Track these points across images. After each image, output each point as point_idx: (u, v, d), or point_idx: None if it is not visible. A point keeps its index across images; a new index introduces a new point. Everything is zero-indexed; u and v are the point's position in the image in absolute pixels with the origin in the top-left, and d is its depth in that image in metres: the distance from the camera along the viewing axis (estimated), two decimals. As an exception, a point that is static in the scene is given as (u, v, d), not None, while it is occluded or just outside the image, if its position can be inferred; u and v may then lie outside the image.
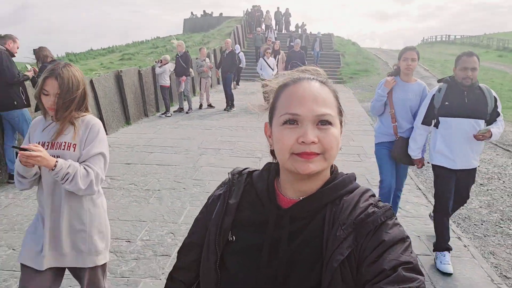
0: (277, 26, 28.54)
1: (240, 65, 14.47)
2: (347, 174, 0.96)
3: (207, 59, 11.32)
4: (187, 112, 10.68)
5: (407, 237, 0.85)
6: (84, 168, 1.91)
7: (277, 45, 12.51)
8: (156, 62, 10.61)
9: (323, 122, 0.85)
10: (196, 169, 5.83)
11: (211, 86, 12.04)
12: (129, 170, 5.74)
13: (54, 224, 1.97)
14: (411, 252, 0.82)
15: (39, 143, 1.93)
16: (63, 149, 1.95)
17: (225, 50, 11.25)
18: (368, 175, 5.64)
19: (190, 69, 10.52)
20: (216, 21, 33.01)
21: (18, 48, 5.14)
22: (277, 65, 11.51)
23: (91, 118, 2.05)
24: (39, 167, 1.95)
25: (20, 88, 4.99)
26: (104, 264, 2.10)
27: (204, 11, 35.54)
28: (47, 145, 1.96)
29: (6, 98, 4.84)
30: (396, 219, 0.88)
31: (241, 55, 15.29)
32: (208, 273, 0.95)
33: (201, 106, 11.36)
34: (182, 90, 10.55)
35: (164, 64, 10.12)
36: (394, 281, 0.76)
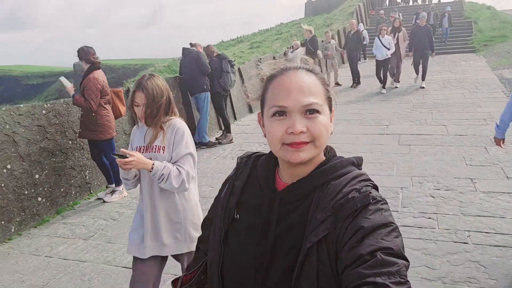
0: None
1: (364, 42, 15.15)
2: (343, 158, 0.98)
3: (332, 41, 12.24)
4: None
5: (391, 222, 0.83)
6: (177, 168, 2.13)
7: (397, 22, 10.91)
8: (288, 48, 11.96)
9: (310, 111, 0.88)
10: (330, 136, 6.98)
11: (338, 66, 12.83)
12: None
13: (153, 218, 2.21)
14: (395, 237, 0.81)
15: (137, 148, 2.24)
16: (155, 152, 2.19)
17: (350, 31, 12.04)
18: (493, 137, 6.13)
19: (318, 51, 11.62)
20: (337, 1, 33.21)
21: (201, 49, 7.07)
22: (397, 43, 10.60)
23: (176, 121, 2.24)
24: (138, 170, 2.22)
25: (207, 77, 6.85)
26: None
27: (325, -8, 35.84)
28: (143, 149, 2.22)
29: (199, 85, 6.74)
30: (381, 204, 0.86)
31: (365, 32, 16.13)
32: (214, 247, 1.03)
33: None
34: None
35: (296, 49, 11.39)
36: (372, 265, 0.76)
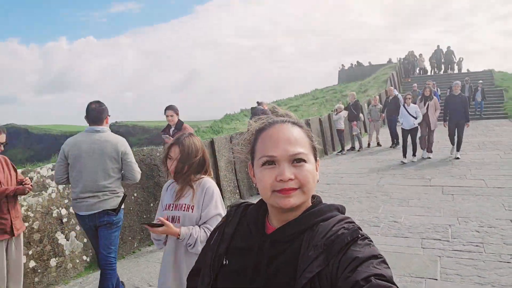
0: (435, 67, 28.67)
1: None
2: (329, 204, 1.05)
3: (379, 105, 13.45)
4: (358, 150, 12.87)
5: (380, 254, 0.89)
6: (204, 231, 2.15)
7: (427, 91, 10.46)
8: (332, 111, 13.24)
9: (297, 160, 0.96)
10: (379, 186, 7.89)
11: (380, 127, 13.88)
12: (329, 188, 8.13)
13: (175, 277, 2.19)
14: (386, 268, 0.86)
15: (166, 206, 2.27)
16: (184, 210, 2.19)
17: (389, 96, 13.27)
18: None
19: (360, 114, 12.81)
20: (369, 70, 35.06)
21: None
22: (427, 113, 10.16)
23: (206, 180, 2.26)
24: None
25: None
26: None
27: (357, 61, 37.99)
28: (172, 207, 2.24)
29: None
30: (368, 240, 0.93)
31: (400, 96, 17.33)
32: None
33: (369, 145, 13.42)
34: (355, 134, 12.83)
35: (339, 112, 12.65)
36: None
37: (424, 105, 10.29)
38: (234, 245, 1.05)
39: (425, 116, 10.18)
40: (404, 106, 10.29)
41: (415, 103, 10.54)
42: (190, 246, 2.13)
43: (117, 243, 3.50)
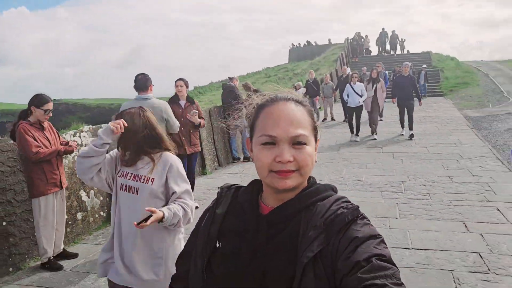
0: (380, 49, 30.48)
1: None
2: (324, 183, 1.03)
3: (331, 82, 14.60)
4: (315, 124, 14.05)
5: (379, 234, 0.90)
6: (182, 207, 2.12)
7: (374, 73, 10.66)
8: (291, 87, 14.24)
9: (298, 143, 0.93)
10: (340, 153, 9.00)
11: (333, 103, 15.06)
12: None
13: (130, 246, 2.20)
14: (385, 247, 0.87)
15: (125, 173, 2.21)
16: (143, 182, 2.15)
17: (342, 75, 14.44)
18: (462, 153, 8.29)
19: (320, 91, 13.93)
20: (318, 49, 36.48)
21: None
22: (375, 95, 10.36)
23: (169, 155, 2.25)
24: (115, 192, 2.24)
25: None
26: None
27: (307, 41, 39.26)
28: (130, 176, 2.19)
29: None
30: (367, 220, 0.93)
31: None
32: (195, 277, 1.02)
33: (324, 119, 14.61)
34: (319, 107, 13.94)
35: (298, 89, 13.64)
36: (369, 270, 0.80)
37: (372, 87, 10.41)
38: (227, 227, 1.03)
39: (374, 98, 10.38)
40: (350, 84, 10.33)
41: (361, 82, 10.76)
42: (173, 225, 2.09)
43: None
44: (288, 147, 0.92)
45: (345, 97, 10.57)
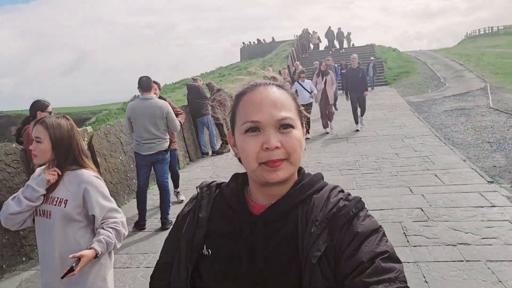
0: (328, 45, 31.76)
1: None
2: (313, 174, 0.98)
3: (288, 77, 15.46)
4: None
5: (380, 226, 0.87)
6: (112, 228, 1.98)
7: (323, 66, 10.70)
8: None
9: (284, 126, 0.87)
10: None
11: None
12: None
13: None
14: (386, 241, 0.85)
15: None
16: (56, 205, 1.96)
17: (295, 70, 15.37)
18: (406, 134, 9.39)
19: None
20: (269, 46, 37.51)
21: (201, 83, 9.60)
22: (325, 87, 10.43)
23: (84, 172, 2.03)
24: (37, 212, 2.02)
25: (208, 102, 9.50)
26: None
27: (257, 39, 40.19)
28: (45, 199, 1.98)
29: (202, 110, 9.24)
30: (367, 210, 0.91)
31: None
32: None
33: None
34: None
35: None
36: (373, 273, 0.78)
37: (322, 79, 10.50)
38: (214, 231, 0.95)
39: (323, 91, 10.40)
40: (299, 82, 10.17)
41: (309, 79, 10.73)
42: (109, 252, 2.01)
43: (167, 172, 5.16)
44: (274, 132, 0.86)
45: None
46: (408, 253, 3.69)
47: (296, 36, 32.28)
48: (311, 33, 32.77)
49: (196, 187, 1.05)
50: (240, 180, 1.01)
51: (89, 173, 2.03)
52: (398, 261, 0.82)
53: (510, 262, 3.36)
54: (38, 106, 4.23)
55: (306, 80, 10.26)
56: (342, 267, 0.82)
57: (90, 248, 1.88)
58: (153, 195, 6.22)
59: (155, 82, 6.21)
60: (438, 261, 3.48)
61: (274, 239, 0.89)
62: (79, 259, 1.81)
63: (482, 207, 4.61)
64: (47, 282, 2.03)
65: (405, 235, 4.08)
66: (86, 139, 5.69)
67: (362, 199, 0.92)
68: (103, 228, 1.97)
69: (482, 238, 3.83)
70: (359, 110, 10.48)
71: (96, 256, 1.88)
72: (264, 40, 39.82)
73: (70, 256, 1.81)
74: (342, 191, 0.95)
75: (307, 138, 9.83)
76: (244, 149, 0.88)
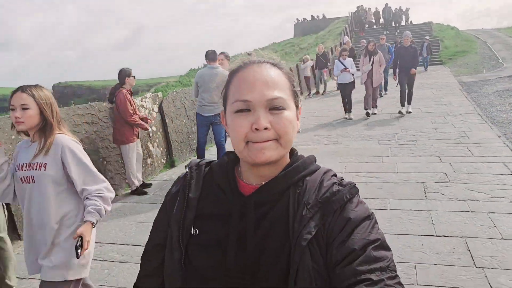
0: (385, 25, 30.10)
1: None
2: (307, 156, 0.97)
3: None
4: (322, 94, 15.45)
5: (372, 213, 0.87)
6: (98, 195, 2.07)
7: (371, 45, 9.84)
8: (300, 61, 15.61)
9: (275, 107, 0.84)
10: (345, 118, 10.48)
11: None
12: (309, 120, 10.59)
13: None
14: (378, 229, 0.85)
15: (19, 166, 2.11)
16: (36, 169, 2.04)
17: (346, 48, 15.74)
18: (449, 112, 9.73)
19: (328, 63, 15.28)
20: (323, 22, 37.35)
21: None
22: (372, 68, 9.74)
23: (62, 137, 2.11)
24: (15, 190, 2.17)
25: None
26: None
27: (311, 15, 40.08)
28: (26, 166, 2.07)
29: None
30: (359, 197, 0.89)
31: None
32: (173, 272, 0.92)
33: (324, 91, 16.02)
34: (325, 79, 15.32)
35: (306, 62, 15.03)
36: (364, 262, 0.78)
37: (369, 60, 9.76)
38: (203, 212, 0.93)
39: (370, 73, 9.82)
40: (340, 60, 9.89)
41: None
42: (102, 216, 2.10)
43: (224, 133, 5.95)
44: (264, 112, 0.84)
45: (336, 72, 10.18)
46: (423, 204, 4.38)
47: (351, 13, 31.97)
48: (366, 10, 32.28)
49: (185, 166, 1.04)
50: (230, 158, 0.98)
51: (66, 137, 2.12)
52: (388, 249, 0.83)
53: (509, 214, 3.97)
54: (125, 72, 5.26)
55: (347, 58, 9.98)
56: (333, 253, 0.82)
57: (85, 222, 2.04)
58: (210, 154, 7.23)
59: (222, 53, 7.16)
60: (448, 211, 4.16)
61: (264, 222, 0.87)
62: (80, 237, 1.97)
63: (502, 174, 5.14)
64: (29, 245, 2.14)
65: (425, 192, 4.75)
66: (157, 103, 6.74)
67: (356, 186, 0.91)
68: (88, 199, 2.08)
69: (493, 197, 4.43)
70: (406, 97, 9.90)
71: (93, 226, 2.06)
72: (318, 16, 39.63)
73: (74, 236, 1.99)
74: (335, 175, 0.94)
75: (349, 119, 9.99)
76: (233, 128, 0.86)
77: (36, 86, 2.09)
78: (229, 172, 0.95)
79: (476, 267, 3.10)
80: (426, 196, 4.61)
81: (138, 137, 5.57)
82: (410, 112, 9.93)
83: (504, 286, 2.85)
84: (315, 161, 0.97)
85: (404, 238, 3.66)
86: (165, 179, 6.34)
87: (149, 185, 5.85)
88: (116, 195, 5.57)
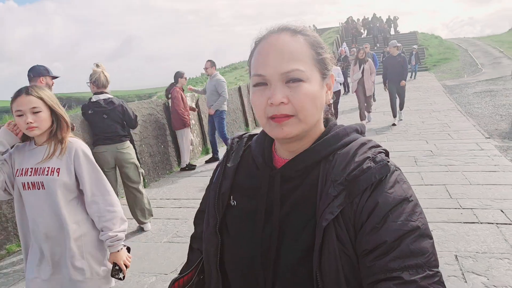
0: (374, 41, 29.97)
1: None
2: (346, 126, 0.89)
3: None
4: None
5: (412, 195, 0.78)
6: (109, 220, 1.93)
7: (361, 53, 9.76)
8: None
9: (291, 80, 0.79)
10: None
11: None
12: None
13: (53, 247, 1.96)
14: (420, 214, 0.76)
15: (23, 170, 1.91)
16: (48, 175, 1.88)
17: (340, 55, 17.34)
18: (434, 109, 11.29)
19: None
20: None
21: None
22: (362, 77, 9.63)
23: (75, 140, 2.00)
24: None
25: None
26: None
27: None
28: (31, 172, 1.90)
29: None
30: (399, 174, 0.80)
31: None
32: (209, 237, 0.94)
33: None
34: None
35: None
36: (397, 256, 0.71)
37: (359, 68, 9.66)
38: (239, 183, 0.94)
39: (361, 81, 9.70)
40: None
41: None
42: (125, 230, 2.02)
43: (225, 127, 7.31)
44: (280, 86, 0.79)
45: None
46: (414, 168, 5.86)
47: (341, 23, 33.79)
48: (355, 21, 34.11)
49: (230, 138, 1.05)
50: None
51: (79, 141, 2.00)
52: (429, 238, 0.75)
53: (477, 171, 5.46)
54: (179, 74, 6.68)
55: (334, 66, 10.45)
56: (362, 241, 0.75)
57: (112, 252, 1.96)
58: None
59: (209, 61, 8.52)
60: (432, 171, 5.64)
61: (291, 197, 0.85)
62: (114, 263, 1.95)
63: (474, 150, 6.66)
64: (36, 257, 1.95)
65: (415, 161, 6.24)
66: (194, 101, 8.15)
67: (389, 163, 0.80)
68: (102, 226, 1.95)
69: (466, 163, 5.92)
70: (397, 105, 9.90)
71: (124, 248, 2.00)
72: (309, 26, 41.33)
73: (111, 262, 1.96)
74: (374, 146, 0.84)
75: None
76: (253, 103, 0.84)
77: (37, 86, 1.90)
78: (265, 146, 0.93)
79: (452, 199, 4.57)
80: (416, 164, 6.09)
81: (190, 126, 6.96)
82: (401, 120, 9.95)
83: (469, 207, 4.31)
84: (356, 131, 0.90)
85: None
86: (203, 163, 7.75)
87: (194, 167, 7.22)
88: (172, 171, 6.98)
